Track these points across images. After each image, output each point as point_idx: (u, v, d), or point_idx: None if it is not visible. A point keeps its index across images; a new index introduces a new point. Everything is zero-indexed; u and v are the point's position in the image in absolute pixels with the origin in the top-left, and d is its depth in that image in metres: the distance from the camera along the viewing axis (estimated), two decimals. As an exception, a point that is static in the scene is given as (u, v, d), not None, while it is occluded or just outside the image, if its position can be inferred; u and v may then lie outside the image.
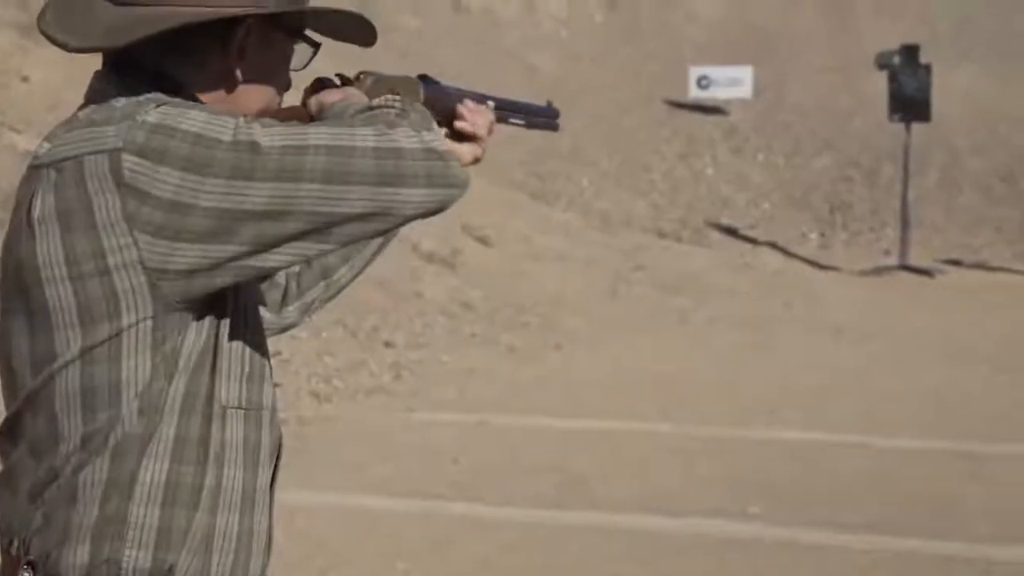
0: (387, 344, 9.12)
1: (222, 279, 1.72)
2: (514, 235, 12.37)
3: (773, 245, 14.50)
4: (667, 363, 9.33)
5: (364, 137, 1.71)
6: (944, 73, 14.68)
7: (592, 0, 19.02)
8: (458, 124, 2.01)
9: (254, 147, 1.69)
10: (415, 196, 1.72)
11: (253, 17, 1.80)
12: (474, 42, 16.74)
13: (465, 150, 2.00)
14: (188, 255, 1.70)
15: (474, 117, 2.02)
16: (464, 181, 1.75)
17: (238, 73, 1.81)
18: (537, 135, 15.41)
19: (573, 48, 18.01)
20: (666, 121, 16.91)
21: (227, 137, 1.69)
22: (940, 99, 14.21)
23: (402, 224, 1.75)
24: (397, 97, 1.80)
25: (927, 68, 13.79)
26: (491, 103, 2.08)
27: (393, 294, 10.00)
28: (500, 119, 2.10)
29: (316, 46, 1.89)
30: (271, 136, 1.70)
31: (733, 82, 16.82)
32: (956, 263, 14.14)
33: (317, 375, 8.27)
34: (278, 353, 8.14)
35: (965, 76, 16.80)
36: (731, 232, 14.89)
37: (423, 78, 2.03)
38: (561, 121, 2.27)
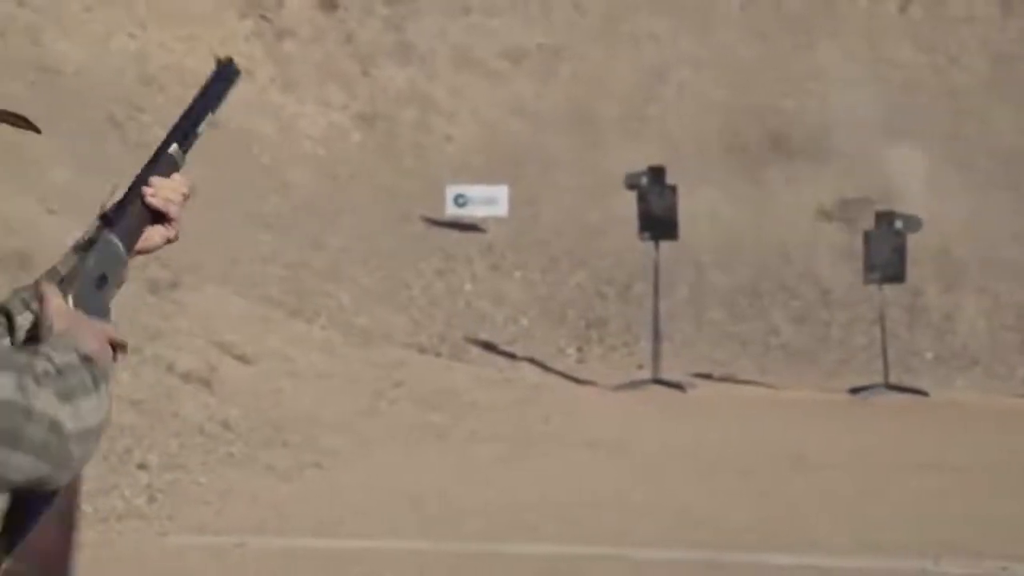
0: (140, 466, 8.89)
1: None
2: (273, 353, 12.25)
3: (531, 360, 14.72)
4: (426, 479, 9.33)
5: (2, 386, 1.61)
6: (689, 194, 15.24)
7: (349, 120, 19.17)
8: (147, 200, 1.88)
9: None
10: (24, 464, 1.63)
11: None
12: (228, 159, 16.65)
13: (157, 234, 1.90)
14: None
15: (161, 191, 1.88)
16: (79, 464, 1.66)
17: None
18: (293, 252, 15.35)
19: (330, 166, 18.08)
20: (424, 238, 17.07)
21: None
22: (686, 218, 14.74)
23: (4, 489, 1.64)
24: (71, 347, 1.68)
25: (673, 188, 14.32)
26: (176, 148, 1.90)
27: (148, 414, 9.76)
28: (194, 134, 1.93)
29: None
30: None
31: (489, 200, 17.13)
32: (706, 376, 14.57)
33: (66, 500, 7.99)
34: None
35: (708, 197, 17.48)
36: (490, 347, 15.06)
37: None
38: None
